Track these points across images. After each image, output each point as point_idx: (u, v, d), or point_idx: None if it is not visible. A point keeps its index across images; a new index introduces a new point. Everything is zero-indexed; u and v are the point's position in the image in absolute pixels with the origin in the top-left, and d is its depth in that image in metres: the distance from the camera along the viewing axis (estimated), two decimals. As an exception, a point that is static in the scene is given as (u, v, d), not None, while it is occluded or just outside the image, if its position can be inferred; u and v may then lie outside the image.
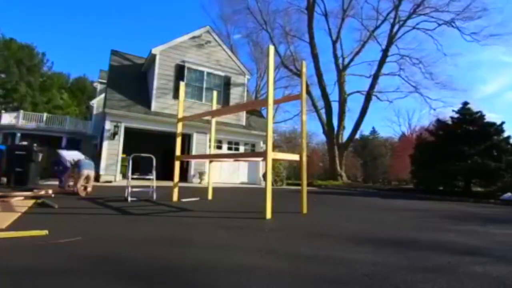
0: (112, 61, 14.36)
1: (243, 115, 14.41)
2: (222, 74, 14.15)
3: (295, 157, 4.94)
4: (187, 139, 13.15)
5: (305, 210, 4.61)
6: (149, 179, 5.80)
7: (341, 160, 22.09)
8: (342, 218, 4.81)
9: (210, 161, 6.83)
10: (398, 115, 55.08)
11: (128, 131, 11.86)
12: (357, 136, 29.99)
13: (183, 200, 5.66)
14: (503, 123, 11.46)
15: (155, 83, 12.58)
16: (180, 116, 6.07)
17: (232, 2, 27.94)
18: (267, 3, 26.24)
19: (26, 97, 29.45)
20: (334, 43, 23.43)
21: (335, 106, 23.08)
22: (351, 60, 23.94)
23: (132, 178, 5.55)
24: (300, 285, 1.64)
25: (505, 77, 50.70)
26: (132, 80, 13.67)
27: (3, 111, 22.26)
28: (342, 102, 22.89)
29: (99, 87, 23.49)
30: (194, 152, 12.82)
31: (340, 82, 23.25)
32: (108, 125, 11.36)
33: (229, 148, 14.21)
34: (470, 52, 48.04)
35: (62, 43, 63.87)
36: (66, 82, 39.42)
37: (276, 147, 22.07)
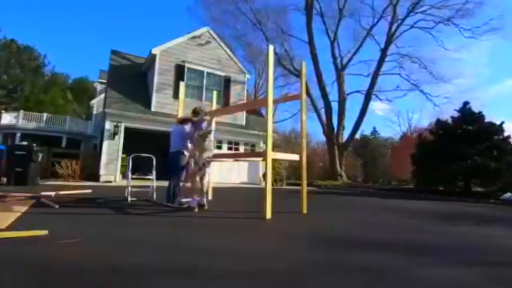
0: (112, 61, 14.36)
1: (242, 115, 14.41)
2: (222, 74, 14.15)
3: (295, 157, 4.94)
4: (187, 139, 13.12)
5: (305, 210, 4.61)
6: (149, 179, 5.79)
7: (341, 160, 22.09)
8: (342, 218, 4.81)
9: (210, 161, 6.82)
10: (398, 115, 54.98)
11: (128, 131, 11.85)
12: (357, 136, 29.96)
13: (183, 200, 5.65)
14: (502, 123, 11.47)
15: (155, 83, 12.58)
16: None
17: (221, 3, 27.49)
18: (260, 2, 26.07)
19: (29, 97, 29.47)
20: (332, 42, 23.44)
21: (334, 106, 23.11)
22: (350, 59, 23.95)
23: (132, 178, 5.54)
24: (298, 283, 1.65)
25: (466, 76, 46.57)
26: (132, 80, 13.67)
27: (3, 111, 22.22)
28: (342, 102, 22.89)
29: (99, 87, 23.48)
30: (194, 152, 12.78)
31: (339, 82, 23.24)
32: (108, 125, 11.36)
33: (229, 148, 14.21)
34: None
35: (63, 45, 63.84)
36: (67, 83, 39.48)
37: (276, 147, 22.08)
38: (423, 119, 49.47)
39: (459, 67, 42.45)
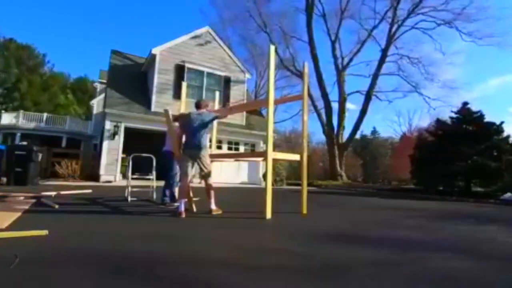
0: (112, 60, 14.35)
1: (243, 115, 14.40)
2: (222, 74, 14.14)
3: (296, 157, 4.93)
4: (187, 139, 13.13)
5: (305, 211, 4.61)
6: (149, 179, 5.79)
7: (341, 160, 22.08)
8: (341, 218, 4.81)
9: (211, 161, 6.83)
10: (398, 115, 55.05)
11: (128, 131, 11.85)
12: (357, 136, 29.97)
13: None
14: (502, 122, 11.45)
15: (155, 82, 12.58)
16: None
17: (231, 5, 27.90)
18: (266, 4, 26.27)
19: (26, 95, 29.49)
20: (333, 43, 23.41)
21: (335, 106, 23.12)
22: (351, 60, 23.92)
23: (132, 178, 5.54)
24: (296, 283, 1.65)
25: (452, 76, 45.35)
26: (132, 80, 13.66)
27: (3, 111, 22.24)
28: (342, 102, 22.89)
29: (99, 87, 23.49)
30: (194, 152, 12.79)
31: (340, 82, 23.24)
32: (108, 125, 11.35)
33: (229, 148, 14.21)
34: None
35: (63, 44, 63.91)
36: (67, 82, 39.49)
37: (276, 147, 22.07)
38: (423, 119, 49.58)
39: (450, 69, 42.78)
